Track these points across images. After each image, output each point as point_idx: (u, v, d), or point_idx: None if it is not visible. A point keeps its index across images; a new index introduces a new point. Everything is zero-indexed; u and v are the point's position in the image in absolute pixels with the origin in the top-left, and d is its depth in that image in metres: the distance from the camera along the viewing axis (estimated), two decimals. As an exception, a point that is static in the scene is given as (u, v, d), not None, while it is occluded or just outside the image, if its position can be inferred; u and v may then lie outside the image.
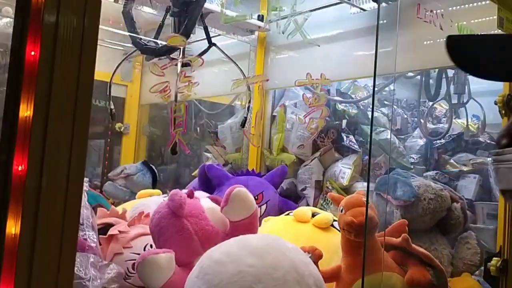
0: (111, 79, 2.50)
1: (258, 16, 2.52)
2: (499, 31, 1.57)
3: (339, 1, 2.31)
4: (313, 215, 1.81)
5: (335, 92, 2.68)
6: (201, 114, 3.38)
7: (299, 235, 1.71)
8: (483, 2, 1.85)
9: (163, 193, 2.32)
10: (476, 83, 2.56)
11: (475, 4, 1.88)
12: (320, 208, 2.19)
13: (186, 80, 1.75)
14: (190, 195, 1.53)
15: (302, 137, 2.47)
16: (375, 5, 2.17)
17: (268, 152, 2.61)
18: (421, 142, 2.61)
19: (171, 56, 2.03)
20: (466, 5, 1.88)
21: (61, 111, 0.65)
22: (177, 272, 1.36)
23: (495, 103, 1.65)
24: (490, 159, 2.22)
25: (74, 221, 0.65)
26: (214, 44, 2.25)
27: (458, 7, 1.90)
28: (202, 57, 2.05)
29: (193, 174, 3.04)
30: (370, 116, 2.48)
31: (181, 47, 1.95)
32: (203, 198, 1.61)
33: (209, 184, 2.23)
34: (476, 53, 0.50)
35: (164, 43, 2.02)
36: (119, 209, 2.03)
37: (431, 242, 1.73)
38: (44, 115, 0.63)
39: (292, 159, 2.50)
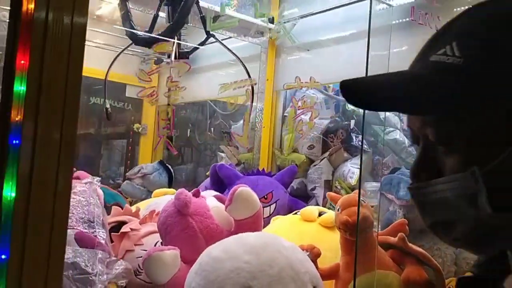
0: (106, 76, 2.56)
1: (269, 18, 2.56)
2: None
3: (350, 2, 2.33)
4: (320, 214, 1.84)
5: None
6: (216, 115, 3.44)
7: (304, 234, 1.74)
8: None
9: (178, 192, 2.38)
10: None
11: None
12: (328, 208, 2.21)
13: (173, 85, 1.80)
14: (196, 194, 1.59)
15: (312, 137, 2.50)
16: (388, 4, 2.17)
17: (279, 152, 2.65)
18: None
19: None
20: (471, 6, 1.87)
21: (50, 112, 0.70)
22: (182, 269, 1.41)
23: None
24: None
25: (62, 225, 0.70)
26: (213, 36, 2.30)
27: (460, 8, 1.90)
28: (204, 58, 2.09)
29: (207, 173, 3.11)
30: (380, 116, 2.49)
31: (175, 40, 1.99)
32: (209, 197, 1.66)
33: (221, 184, 2.28)
34: (370, 92, 0.52)
35: (156, 36, 2.07)
36: (133, 208, 2.10)
37: (434, 242, 1.74)
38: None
39: (302, 159, 2.54)
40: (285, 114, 2.73)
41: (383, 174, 2.19)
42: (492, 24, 0.52)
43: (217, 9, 2.32)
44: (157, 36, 2.10)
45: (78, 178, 1.82)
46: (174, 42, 2.23)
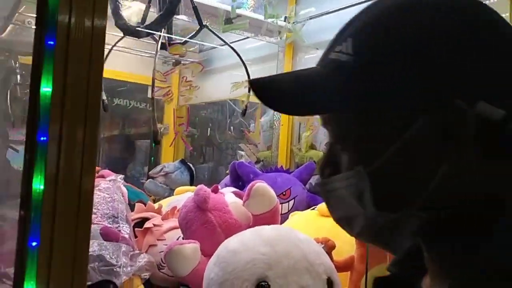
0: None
1: (285, 18, 2.59)
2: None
3: (364, 0, 2.35)
4: (337, 209, 1.86)
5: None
6: (236, 114, 3.49)
7: (320, 228, 1.77)
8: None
9: (199, 190, 2.43)
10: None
11: (486, 2, 1.86)
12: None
13: (187, 85, 1.86)
14: (215, 190, 1.64)
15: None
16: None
17: (297, 150, 2.69)
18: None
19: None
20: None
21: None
22: (202, 262, 1.45)
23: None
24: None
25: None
26: (206, 26, 2.33)
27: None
28: (205, 56, 2.11)
29: (227, 172, 3.16)
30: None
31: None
32: (227, 193, 1.71)
33: (240, 181, 2.33)
34: (277, 91, 0.51)
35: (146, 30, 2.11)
36: (156, 205, 2.17)
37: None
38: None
39: (320, 156, 2.56)
40: (303, 111, 2.76)
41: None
42: (384, 20, 0.50)
43: (228, 8, 2.36)
44: (145, 30, 2.10)
45: (102, 176, 1.90)
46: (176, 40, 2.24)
